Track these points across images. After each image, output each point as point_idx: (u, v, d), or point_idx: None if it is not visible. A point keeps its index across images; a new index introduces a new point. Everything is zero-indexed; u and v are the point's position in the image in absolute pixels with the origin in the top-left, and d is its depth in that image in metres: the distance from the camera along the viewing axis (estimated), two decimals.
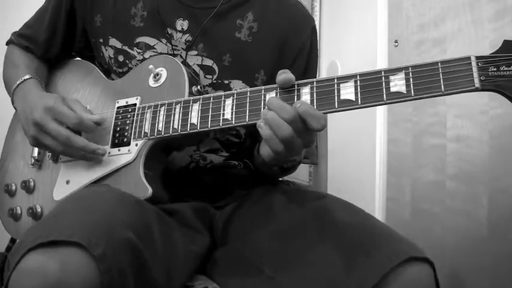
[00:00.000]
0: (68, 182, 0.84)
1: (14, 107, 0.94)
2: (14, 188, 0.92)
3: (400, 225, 1.63)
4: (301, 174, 1.89)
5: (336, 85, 0.69)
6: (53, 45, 0.98)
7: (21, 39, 1.00)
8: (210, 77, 0.90)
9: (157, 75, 0.84)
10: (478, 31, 1.34)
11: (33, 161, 0.90)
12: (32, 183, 0.90)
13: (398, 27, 1.70)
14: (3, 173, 0.96)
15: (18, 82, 0.91)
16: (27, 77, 0.91)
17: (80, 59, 1.02)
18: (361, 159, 1.85)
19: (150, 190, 0.76)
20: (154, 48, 0.90)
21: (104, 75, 0.93)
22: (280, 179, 1.05)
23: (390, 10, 1.76)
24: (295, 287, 0.68)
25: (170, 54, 0.89)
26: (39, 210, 0.87)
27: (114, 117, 0.85)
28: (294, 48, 0.94)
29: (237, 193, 0.95)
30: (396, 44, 1.70)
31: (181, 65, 0.83)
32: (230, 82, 0.90)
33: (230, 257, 0.80)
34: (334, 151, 1.49)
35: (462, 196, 1.38)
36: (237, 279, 0.75)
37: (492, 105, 1.28)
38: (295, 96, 0.70)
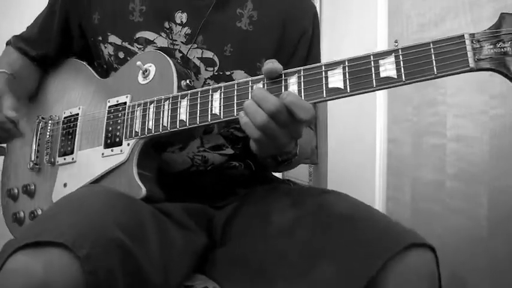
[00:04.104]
0: (65, 185, 0.84)
1: None
2: (16, 192, 0.92)
3: None
4: (301, 174, 1.89)
5: (323, 73, 0.66)
6: (47, 45, 0.98)
7: (18, 40, 1.01)
8: (211, 69, 0.90)
9: (146, 71, 0.83)
10: (478, 31, 1.34)
11: (31, 164, 0.90)
12: (32, 187, 0.90)
13: (398, 27, 1.70)
14: (6, 177, 0.96)
15: None
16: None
17: (72, 58, 1.00)
18: (361, 159, 1.85)
19: (143, 190, 0.76)
20: (155, 43, 0.89)
21: (95, 74, 0.93)
22: (281, 178, 1.05)
23: (390, 10, 1.76)
24: (297, 286, 0.68)
25: (170, 49, 0.89)
26: (40, 213, 0.87)
27: (106, 117, 0.84)
28: (295, 35, 0.94)
29: (237, 193, 0.94)
30: (396, 44, 1.70)
31: (169, 59, 0.82)
32: (232, 73, 0.90)
33: (230, 257, 0.80)
34: (334, 151, 1.49)
35: (462, 196, 1.38)
36: (237, 279, 0.75)
37: (492, 105, 1.28)
38: (283, 87, 0.68)
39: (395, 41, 1.70)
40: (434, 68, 0.60)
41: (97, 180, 0.81)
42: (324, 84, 0.66)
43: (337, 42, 2.04)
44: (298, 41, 0.94)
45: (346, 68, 0.65)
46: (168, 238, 0.73)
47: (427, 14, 1.55)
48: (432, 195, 1.50)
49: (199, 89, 0.75)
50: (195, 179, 0.92)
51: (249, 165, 0.97)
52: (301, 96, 0.67)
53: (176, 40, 0.89)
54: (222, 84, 0.74)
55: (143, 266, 0.61)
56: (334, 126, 1.38)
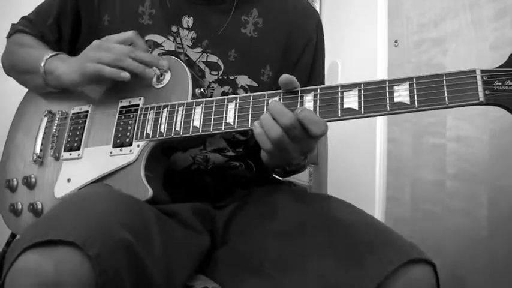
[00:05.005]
0: (69, 180, 0.84)
1: (47, 71, 0.87)
2: (15, 183, 0.92)
3: (400, 225, 1.63)
4: (301, 175, 1.89)
5: (339, 93, 0.69)
6: (61, 47, 0.98)
7: (33, 27, 0.97)
8: (216, 73, 0.91)
9: (161, 76, 0.84)
10: (478, 31, 1.34)
11: (35, 157, 0.90)
12: (33, 180, 0.90)
13: (398, 27, 1.70)
14: (4, 168, 0.96)
15: (47, 56, 0.87)
16: (53, 53, 0.89)
17: None
18: (361, 159, 1.85)
19: (150, 191, 0.77)
20: (162, 46, 0.90)
21: None
22: (282, 179, 1.05)
23: (390, 10, 1.76)
24: (296, 287, 0.68)
25: (176, 52, 0.90)
26: (39, 206, 0.87)
27: (116, 117, 0.85)
28: (300, 43, 0.95)
29: (238, 193, 0.95)
30: (396, 44, 1.70)
31: (185, 66, 0.84)
32: (236, 77, 0.91)
33: (231, 257, 0.80)
34: (334, 151, 1.49)
35: (462, 196, 1.38)
36: (238, 279, 0.75)
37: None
38: (298, 103, 0.71)
39: (395, 41, 1.70)
40: (446, 98, 0.63)
41: (102, 178, 0.81)
42: (339, 104, 0.69)
43: (337, 42, 2.04)
44: (303, 50, 0.95)
45: (362, 90, 0.68)
46: (171, 239, 0.73)
47: (427, 14, 1.55)
48: (432, 195, 1.50)
49: (215, 98, 0.77)
50: (196, 178, 0.92)
51: (249, 166, 0.98)
52: (316, 113, 0.69)
53: (182, 44, 0.90)
54: (237, 95, 0.76)
55: (147, 266, 0.62)
56: (334, 126, 1.39)
